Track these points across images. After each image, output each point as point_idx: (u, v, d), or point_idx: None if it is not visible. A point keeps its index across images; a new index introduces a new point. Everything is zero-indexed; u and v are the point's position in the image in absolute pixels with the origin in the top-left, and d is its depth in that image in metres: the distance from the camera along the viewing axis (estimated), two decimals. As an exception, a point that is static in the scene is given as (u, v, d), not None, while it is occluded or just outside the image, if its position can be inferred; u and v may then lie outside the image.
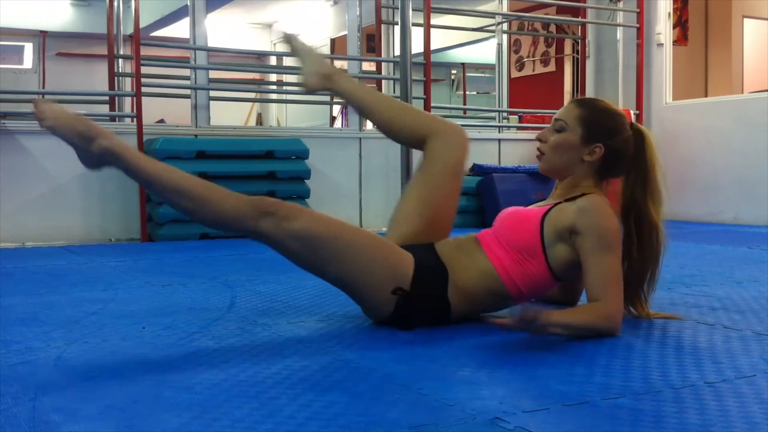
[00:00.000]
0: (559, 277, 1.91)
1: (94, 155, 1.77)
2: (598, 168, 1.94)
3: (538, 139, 2.00)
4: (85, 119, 1.79)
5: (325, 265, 1.82)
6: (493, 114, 6.60)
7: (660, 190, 1.95)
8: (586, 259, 1.79)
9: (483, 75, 10.32)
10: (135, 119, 4.47)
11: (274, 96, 8.60)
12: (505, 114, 6.33)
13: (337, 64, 8.32)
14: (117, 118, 4.93)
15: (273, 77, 8.74)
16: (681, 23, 6.90)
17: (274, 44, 10.28)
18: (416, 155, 4.25)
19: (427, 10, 5.19)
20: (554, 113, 2.01)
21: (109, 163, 1.79)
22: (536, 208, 1.94)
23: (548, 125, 2.02)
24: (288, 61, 8.79)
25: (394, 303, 1.83)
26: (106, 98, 5.18)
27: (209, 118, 4.91)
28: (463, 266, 1.90)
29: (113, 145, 1.76)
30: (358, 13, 5.58)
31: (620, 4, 6.07)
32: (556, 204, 1.90)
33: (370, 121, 2.21)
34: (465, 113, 8.30)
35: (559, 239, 1.84)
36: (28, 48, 9.27)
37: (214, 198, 1.78)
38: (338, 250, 1.79)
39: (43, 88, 8.97)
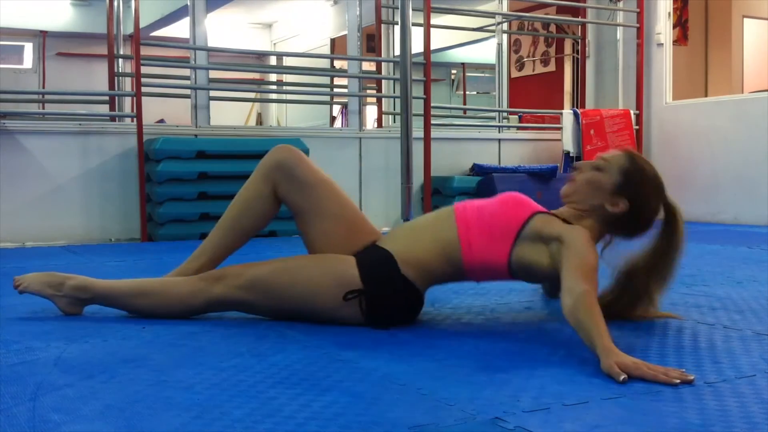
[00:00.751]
0: (512, 271, 1.89)
1: (69, 297, 2.03)
2: (612, 222, 1.89)
3: (575, 168, 1.98)
4: (51, 273, 2.07)
5: (285, 298, 1.93)
6: (493, 114, 6.59)
7: (672, 275, 1.92)
8: (565, 260, 1.74)
9: (483, 75, 10.31)
10: (135, 119, 4.47)
11: (274, 96, 8.60)
12: (505, 114, 6.32)
13: (338, 64, 8.34)
14: (117, 118, 4.93)
15: (273, 77, 8.73)
16: (681, 23, 6.90)
17: (274, 44, 10.28)
18: (416, 156, 4.25)
19: (427, 10, 5.19)
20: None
21: (84, 299, 2.04)
22: (537, 205, 1.94)
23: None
24: (288, 61, 8.79)
25: (359, 306, 1.87)
26: (106, 98, 5.17)
27: (209, 118, 4.92)
28: (411, 239, 1.94)
29: (81, 279, 2.03)
30: (358, 12, 5.58)
31: (620, 4, 6.07)
32: (553, 214, 1.90)
33: (243, 244, 2.12)
34: (465, 113, 8.30)
35: (538, 239, 1.83)
36: (28, 48, 9.26)
37: (169, 285, 2.01)
38: (288, 279, 1.93)
39: (43, 88, 8.96)
